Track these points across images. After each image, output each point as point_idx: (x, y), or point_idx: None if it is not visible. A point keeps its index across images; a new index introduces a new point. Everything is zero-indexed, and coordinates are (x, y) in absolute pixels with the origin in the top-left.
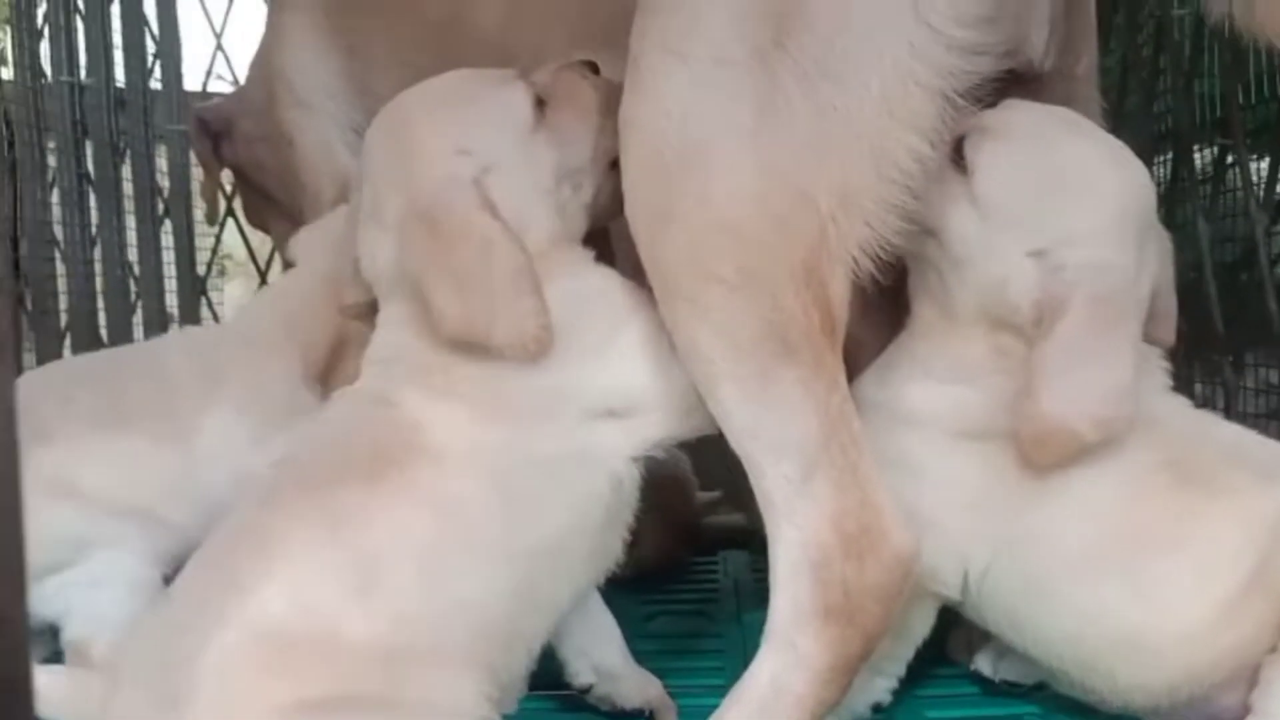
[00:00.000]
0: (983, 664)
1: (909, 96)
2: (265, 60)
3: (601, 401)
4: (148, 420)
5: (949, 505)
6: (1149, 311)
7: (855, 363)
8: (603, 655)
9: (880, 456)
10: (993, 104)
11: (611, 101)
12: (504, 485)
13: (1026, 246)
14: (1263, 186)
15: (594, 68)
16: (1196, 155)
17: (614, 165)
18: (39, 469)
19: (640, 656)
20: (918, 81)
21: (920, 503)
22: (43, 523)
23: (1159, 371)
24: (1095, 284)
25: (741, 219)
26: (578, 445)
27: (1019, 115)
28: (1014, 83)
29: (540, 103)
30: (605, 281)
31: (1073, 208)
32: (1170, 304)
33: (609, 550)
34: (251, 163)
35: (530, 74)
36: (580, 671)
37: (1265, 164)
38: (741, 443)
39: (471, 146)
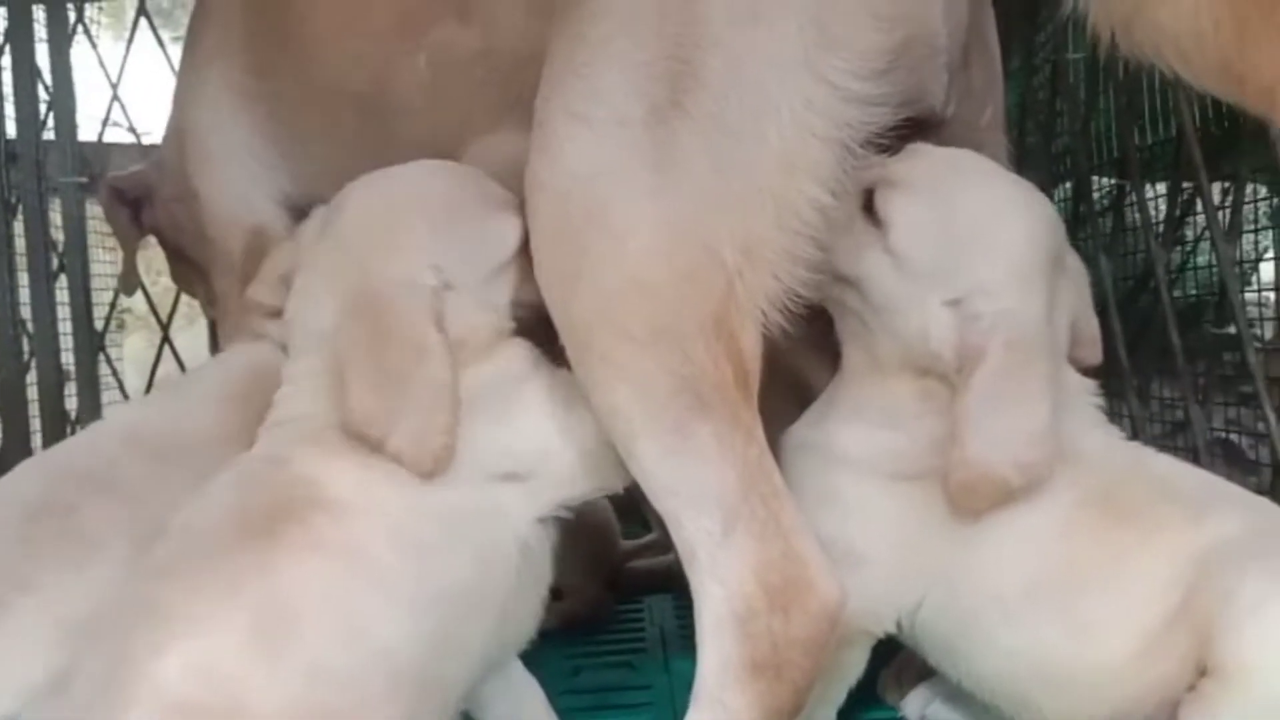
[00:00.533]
0: (910, 709)
1: (807, 148)
2: (176, 116)
3: (499, 465)
4: None
5: (882, 544)
6: (1072, 338)
7: (806, 402)
8: (528, 716)
9: (814, 497)
10: (896, 150)
11: None
12: (406, 535)
13: (942, 296)
14: (1161, 220)
15: None
16: (1095, 192)
17: None
18: None
19: (567, 713)
20: (814, 133)
21: (854, 542)
22: None
23: (1089, 405)
24: (1010, 331)
25: (649, 276)
26: (479, 505)
27: (924, 164)
28: (918, 129)
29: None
30: (512, 353)
31: (983, 257)
32: (1092, 326)
33: (526, 612)
34: (171, 225)
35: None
36: None
37: (1164, 191)
38: (661, 500)
39: (444, 265)
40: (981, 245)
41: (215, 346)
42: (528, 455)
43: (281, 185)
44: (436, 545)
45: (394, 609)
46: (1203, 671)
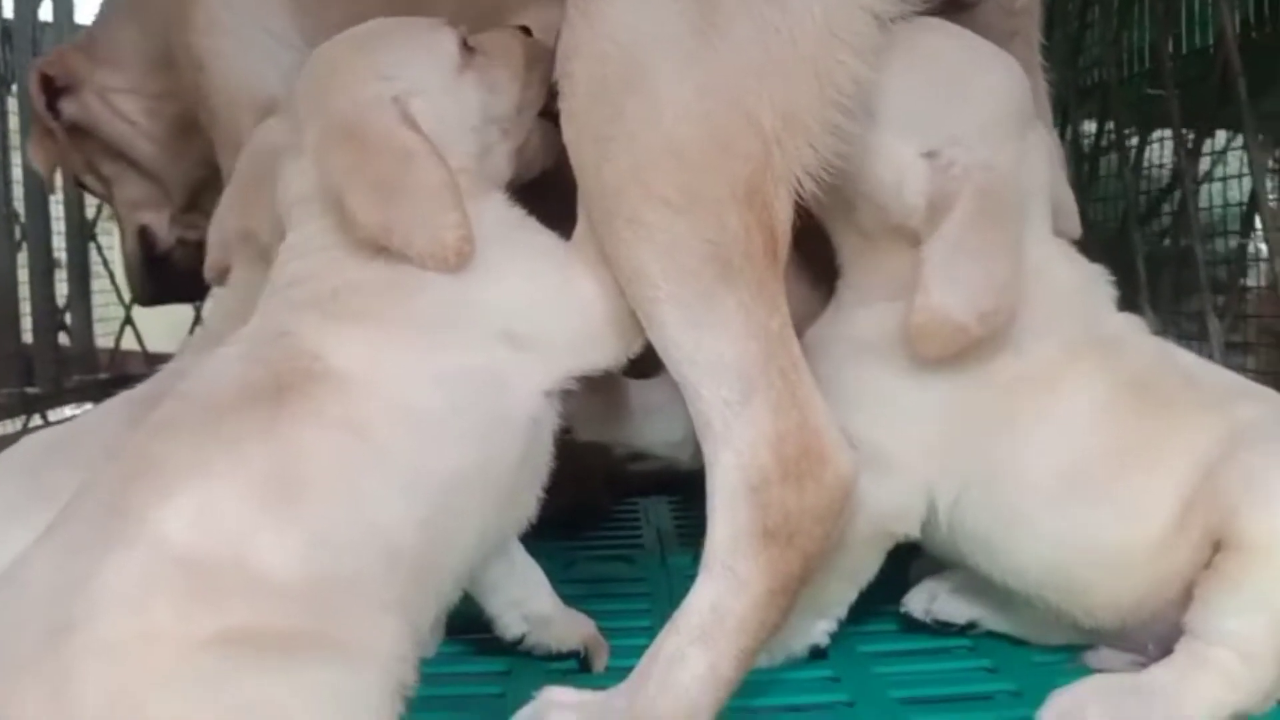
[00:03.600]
0: (914, 605)
1: (850, 19)
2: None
3: (502, 319)
4: None
5: (913, 442)
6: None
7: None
8: (533, 603)
9: (842, 395)
10: None
11: (538, 57)
12: (409, 409)
13: (918, 148)
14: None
15: (525, 31)
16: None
17: (543, 115)
18: None
19: (565, 601)
20: (860, 5)
21: (884, 443)
22: None
23: (1106, 290)
24: (981, 181)
25: (685, 140)
26: (485, 369)
27: (903, 30)
28: (953, 8)
29: (469, 49)
30: (513, 213)
31: (957, 110)
32: (1068, 198)
33: (524, 496)
34: (105, 118)
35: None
36: (511, 623)
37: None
38: (680, 368)
39: (393, 73)
40: (956, 99)
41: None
42: (532, 312)
43: (296, 60)
44: (441, 419)
45: (394, 487)
46: (1218, 548)
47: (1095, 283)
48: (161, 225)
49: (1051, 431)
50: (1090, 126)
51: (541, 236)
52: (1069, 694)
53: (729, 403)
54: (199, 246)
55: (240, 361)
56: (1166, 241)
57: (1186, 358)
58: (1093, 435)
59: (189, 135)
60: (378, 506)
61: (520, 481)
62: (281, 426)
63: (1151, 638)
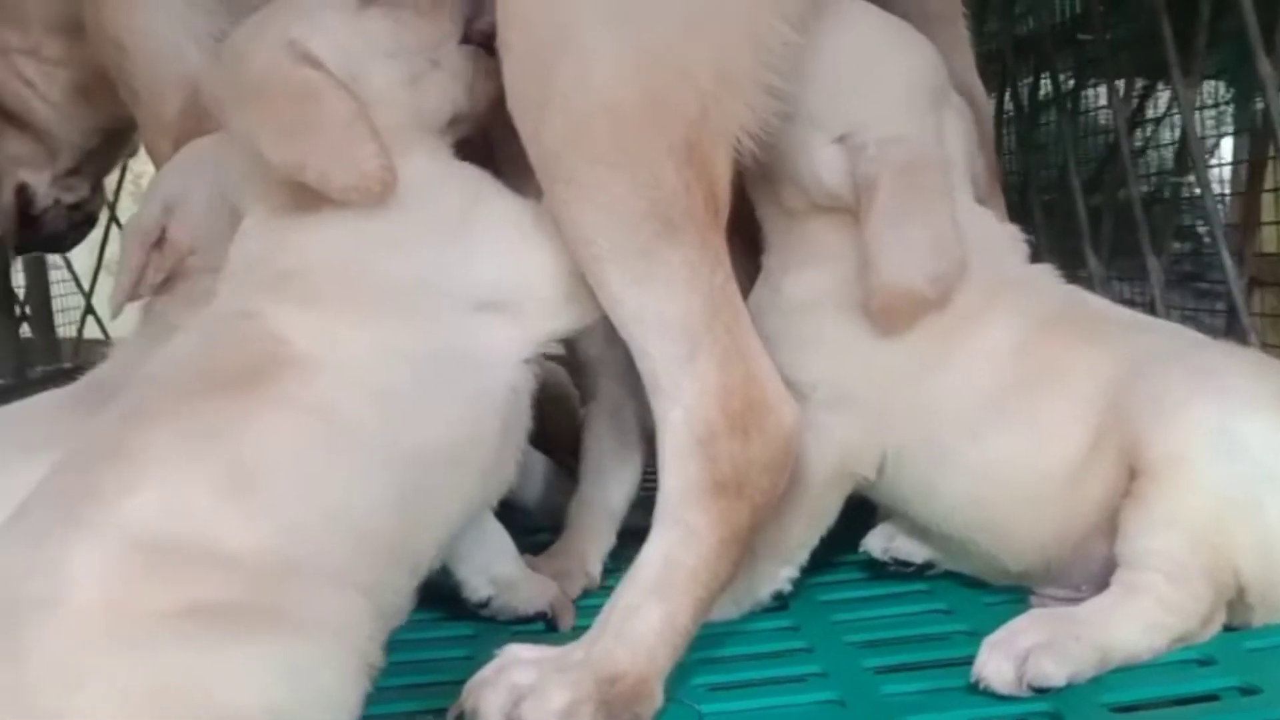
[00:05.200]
0: (873, 545)
1: None
2: None
3: (471, 291)
4: None
5: (862, 381)
6: (972, 175)
7: None
8: (499, 567)
9: (786, 348)
10: None
11: None
12: (380, 389)
13: (829, 135)
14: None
15: None
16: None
17: (485, 48)
18: None
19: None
20: None
21: (841, 379)
22: None
23: (1019, 244)
24: (898, 155)
25: (620, 98)
26: (456, 343)
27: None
28: None
29: None
30: (463, 168)
31: (860, 94)
32: (988, 161)
33: (504, 466)
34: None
35: None
36: (478, 587)
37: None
38: (628, 326)
39: (292, 30)
40: (858, 83)
41: None
42: (507, 278)
43: (214, 30)
44: (413, 397)
45: (364, 469)
46: (1132, 474)
47: (1008, 238)
48: (42, 184)
49: (971, 368)
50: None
51: (502, 199)
52: (1007, 627)
53: (675, 358)
54: (73, 208)
55: (205, 345)
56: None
57: (1095, 300)
58: (1007, 368)
59: (85, 102)
60: (347, 489)
61: (502, 452)
62: (249, 412)
63: (1083, 578)
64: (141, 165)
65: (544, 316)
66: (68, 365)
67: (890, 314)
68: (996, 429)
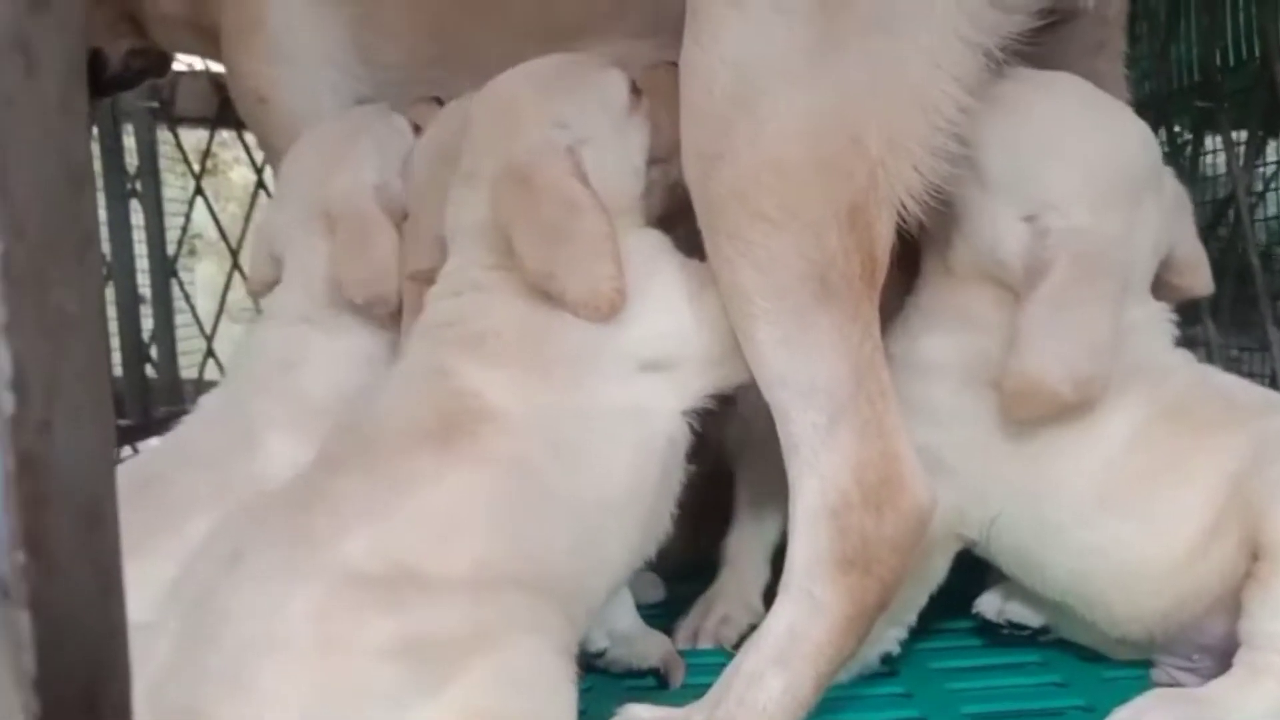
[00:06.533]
0: (986, 607)
1: (952, 50)
2: (239, 12)
3: (641, 351)
4: None
5: (967, 450)
6: (1177, 266)
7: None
8: (616, 619)
9: (904, 406)
10: (1030, 44)
11: None
12: (559, 442)
13: (1018, 212)
14: (1242, 152)
15: None
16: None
17: None
18: None
19: (646, 620)
20: (962, 37)
21: (942, 449)
22: None
23: (1166, 326)
24: (1077, 247)
25: (790, 159)
26: (628, 400)
27: (1015, 87)
28: (1050, 24)
29: (635, 92)
30: (643, 236)
31: (1056, 174)
32: (1196, 252)
33: (662, 515)
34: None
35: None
36: (596, 639)
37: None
38: (772, 389)
39: (569, 121)
40: (1056, 162)
41: None
42: (669, 339)
43: (358, 93)
44: (591, 451)
45: (550, 518)
46: (1255, 556)
47: (1156, 320)
48: (117, 51)
49: (1087, 456)
50: None
51: (675, 260)
52: (1130, 707)
53: (817, 427)
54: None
55: (405, 399)
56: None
57: (1226, 380)
58: (1125, 459)
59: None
60: (536, 535)
61: (660, 500)
62: (449, 464)
63: (1195, 649)
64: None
65: (702, 373)
66: (189, 406)
67: (1021, 403)
68: (1110, 515)
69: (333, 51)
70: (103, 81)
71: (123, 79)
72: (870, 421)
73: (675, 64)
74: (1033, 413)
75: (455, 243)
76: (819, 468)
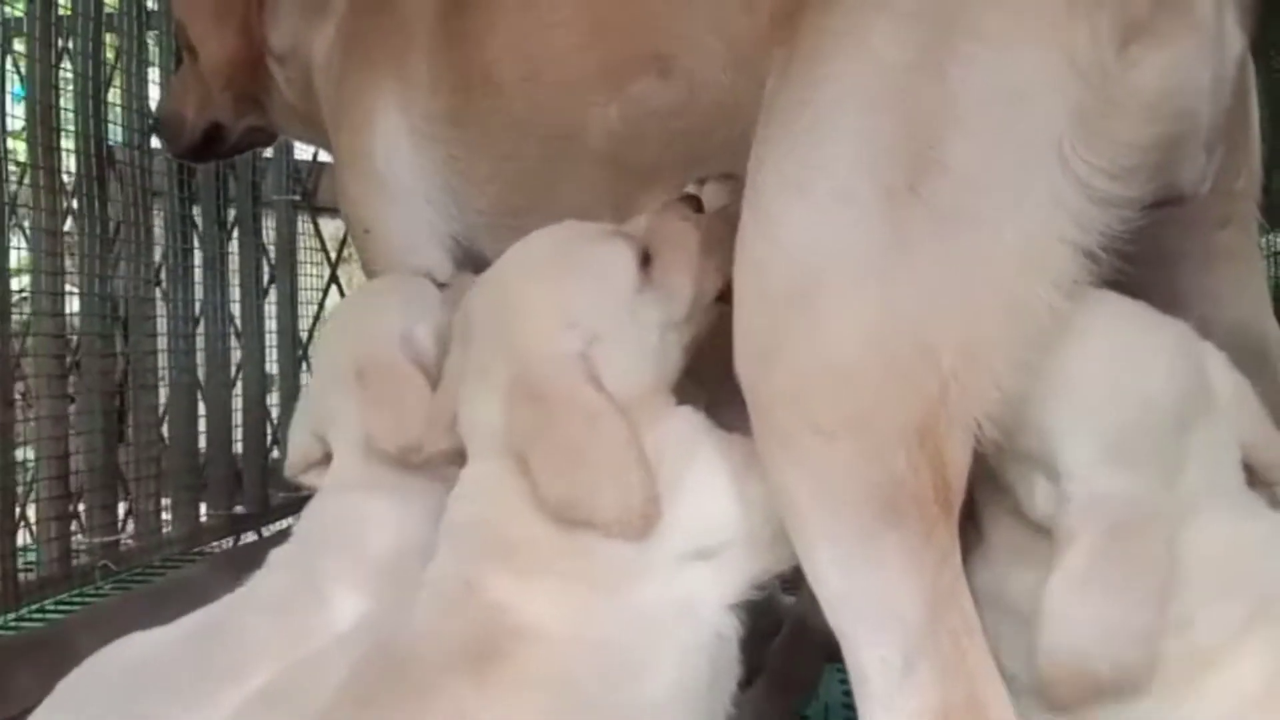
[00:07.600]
0: None
1: (1048, 250)
2: (350, 139)
3: (686, 542)
4: None
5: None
6: (1263, 462)
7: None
8: None
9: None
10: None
11: (714, 238)
12: (607, 654)
13: (1043, 473)
14: None
15: (697, 204)
16: None
17: (719, 299)
18: None
19: None
20: (1058, 235)
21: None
22: None
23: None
24: (1107, 517)
25: (852, 364)
26: (666, 595)
27: None
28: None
29: (646, 259)
30: (676, 421)
31: (1070, 436)
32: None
33: (717, 710)
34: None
35: (629, 223)
36: None
37: None
38: (836, 612)
39: (578, 318)
40: (1070, 423)
41: None
42: (713, 525)
43: (452, 232)
44: (641, 656)
45: None
46: None
47: (1275, 538)
48: (238, 129)
49: (1213, 707)
50: None
51: (713, 438)
52: None
53: (890, 664)
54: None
55: (433, 617)
56: None
57: None
58: (1256, 710)
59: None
60: None
61: (712, 701)
62: (486, 698)
63: None
64: None
65: (749, 560)
66: (306, 493)
67: (1051, 687)
68: None
69: (430, 191)
70: (218, 151)
71: (236, 148)
72: (953, 661)
73: (684, 199)
74: (1066, 698)
75: (473, 441)
76: (893, 709)
